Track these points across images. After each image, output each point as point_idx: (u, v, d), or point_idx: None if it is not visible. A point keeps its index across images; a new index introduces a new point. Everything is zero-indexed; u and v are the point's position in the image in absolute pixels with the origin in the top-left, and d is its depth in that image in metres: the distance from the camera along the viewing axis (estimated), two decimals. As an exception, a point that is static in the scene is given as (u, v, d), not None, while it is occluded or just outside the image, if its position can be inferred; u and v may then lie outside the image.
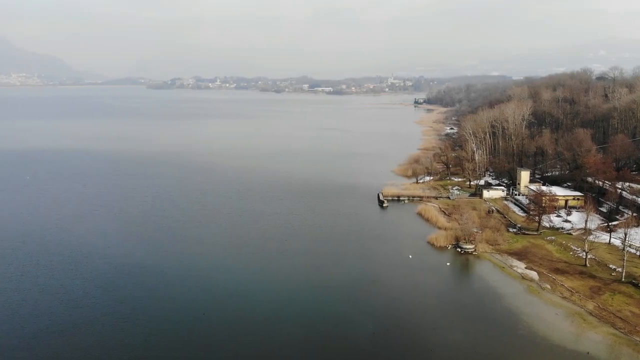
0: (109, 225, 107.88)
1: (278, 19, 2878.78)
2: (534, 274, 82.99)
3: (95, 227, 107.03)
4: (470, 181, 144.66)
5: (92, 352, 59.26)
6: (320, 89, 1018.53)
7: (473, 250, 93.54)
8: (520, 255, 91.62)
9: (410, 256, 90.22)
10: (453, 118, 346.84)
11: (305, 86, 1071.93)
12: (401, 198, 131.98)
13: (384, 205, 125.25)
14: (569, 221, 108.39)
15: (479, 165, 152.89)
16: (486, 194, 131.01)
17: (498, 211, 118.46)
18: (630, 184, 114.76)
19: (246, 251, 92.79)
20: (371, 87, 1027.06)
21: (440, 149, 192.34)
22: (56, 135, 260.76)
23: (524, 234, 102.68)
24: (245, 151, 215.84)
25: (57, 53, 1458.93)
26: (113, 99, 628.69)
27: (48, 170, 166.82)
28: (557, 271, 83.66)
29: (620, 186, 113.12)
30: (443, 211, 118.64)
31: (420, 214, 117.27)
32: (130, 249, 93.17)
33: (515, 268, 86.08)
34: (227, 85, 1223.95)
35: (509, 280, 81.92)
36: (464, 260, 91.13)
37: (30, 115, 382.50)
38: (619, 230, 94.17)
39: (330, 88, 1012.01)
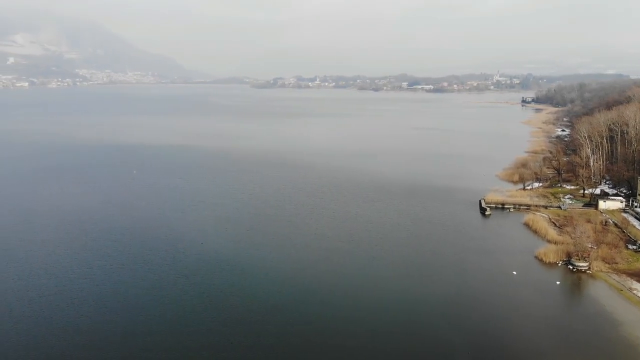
0: (205, 222, 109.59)
1: (377, 17, 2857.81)
2: (658, 300, 72.23)
3: (192, 222, 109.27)
4: (584, 190, 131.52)
5: (179, 351, 58.84)
6: (419, 86, 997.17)
7: (587, 268, 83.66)
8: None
9: (515, 272, 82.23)
10: (564, 119, 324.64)
11: (404, 84, 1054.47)
12: (506, 206, 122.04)
13: (487, 213, 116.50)
14: None
15: (594, 173, 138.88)
16: (602, 204, 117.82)
17: (616, 224, 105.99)
18: None
19: (335, 255, 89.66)
20: (475, 85, 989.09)
21: (551, 152, 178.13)
22: (162, 131, 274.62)
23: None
24: (341, 150, 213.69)
25: (170, 53, 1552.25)
26: (218, 97, 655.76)
27: (153, 165, 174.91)
28: (689, 299, 72.27)
29: None
30: (553, 222, 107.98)
31: (527, 225, 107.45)
32: (224, 247, 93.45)
33: (635, 291, 75.44)
34: (326, 84, 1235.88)
35: (628, 305, 71.81)
36: (575, 280, 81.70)
37: (141, 112, 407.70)
38: None
39: (430, 86, 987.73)
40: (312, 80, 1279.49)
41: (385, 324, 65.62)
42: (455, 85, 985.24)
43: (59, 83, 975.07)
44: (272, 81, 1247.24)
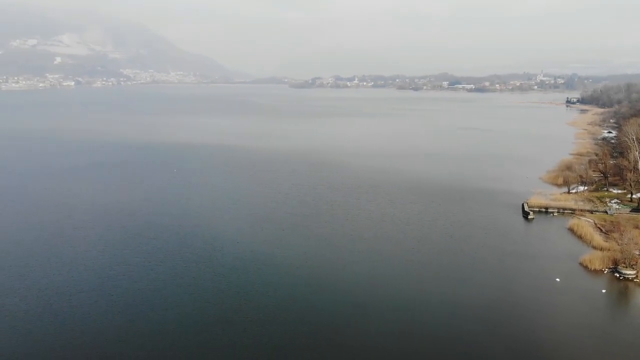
0: (241, 220, 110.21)
1: (416, 16, 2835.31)
2: None
3: (229, 221, 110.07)
4: (632, 194, 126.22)
5: (214, 350, 59.13)
6: (460, 86, 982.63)
7: (634, 276, 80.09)
8: (695, 287, 76.57)
9: (558, 279, 79.40)
10: (611, 120, 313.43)
11: (445, 83, 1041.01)
12: (550, 210, 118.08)
13: (529, 217, 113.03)
14: None
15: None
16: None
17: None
18: None
19: (371, 257, 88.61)
20: (517, 85, 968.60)
21: (597, 155, 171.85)
22: (201, 131, 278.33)
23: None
24: (378, 150, 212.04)
25: (211, 53, 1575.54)
26: (257, 97, 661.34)
27: (192, 164, 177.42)
28: None
29: None
30: (599, 228, 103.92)
31: (571, 230, 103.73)
32: (259, 246, 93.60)
33: (687, 302, 72.08)
34: (365, 83, 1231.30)
35: (680, 317, 68.55)
36: (622, 288, 78.33)
37: (181, 111, 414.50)
38: None
39: (471, 85, 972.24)
40: (351, 79, 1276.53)
41: (423, 328, 64.41)
42: (497, 85, 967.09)
43: (103, 82, 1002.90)
44: (310, 81, 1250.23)
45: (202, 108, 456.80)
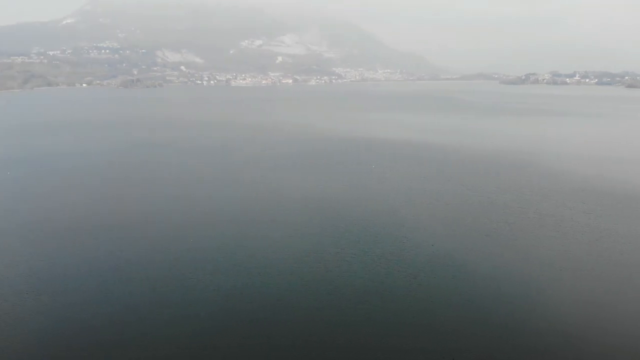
0: (437, 222, 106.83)
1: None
2: None
3: (424, 221, 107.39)
4: None
5: (409, 353, 57.54)
6: None
7: None
8: None
9: None
10: None
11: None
12: None
13: None
14: None
15: None
16: None
17: None
18: None
19: (579, 277, 78.04)
20: None
21: None
22: (403, 128, 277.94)
23: None
24: (603, 155, 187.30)
25: (419, 51, 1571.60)
26: (464, 93, 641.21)
27: (390, 159, 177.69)
28: None
29: None
30: None
31: None
32: (456, 252, 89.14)
33: None
34: (587, 80, 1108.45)
35: None
36: None
37: (386, 108, 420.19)
38: None
39: None
40: (570, 76, 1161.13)
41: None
42: None
43: (317, 80, 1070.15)
44: (523, 77, 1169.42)
45: (406, 105, 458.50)
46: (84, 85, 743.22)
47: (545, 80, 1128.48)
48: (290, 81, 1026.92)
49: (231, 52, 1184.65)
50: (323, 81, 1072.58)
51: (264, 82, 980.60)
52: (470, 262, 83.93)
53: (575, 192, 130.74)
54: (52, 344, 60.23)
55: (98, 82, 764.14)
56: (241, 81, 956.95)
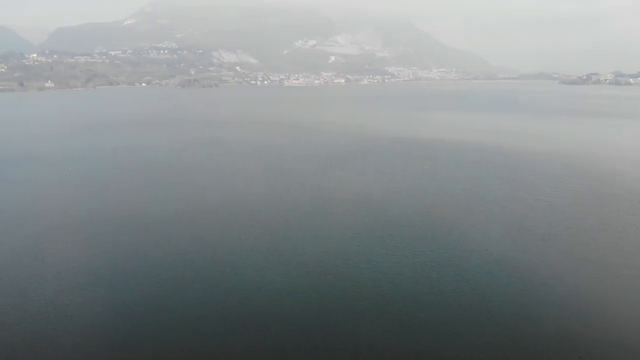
0: (491, 225, 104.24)
1: None
2: None
3: (477, 224, 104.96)
4: None
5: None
6: None
7: None
8: None
9: None
10: None
11: None
12: None
13: None
14: None
15: None
16: None
17: None
18: None
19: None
20: None
21: None
22: (455, 128, 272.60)
23: None
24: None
25: (476, 49, 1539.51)
26: (522, 93, 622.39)
27: (444, 161, 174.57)
28: None
29: None
30: None
31: None
32: (510, 256, 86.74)
33: None
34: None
35: None
36: None
37: (439, 108, 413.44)
38: None
39: None
40: (634, 76, 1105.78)
41: None
42: None
43: (369, 79, 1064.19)
44: (584, 77, 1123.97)
45: (461, 105, 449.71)
46: (143, 84, 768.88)
47: (607, 81, 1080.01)
48: (343, 81, 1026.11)
49: (285, 52, 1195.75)
50: (375, 81, 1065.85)
51: (316, 82, 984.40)
52: (525, 269, 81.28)
53: (638, 198, 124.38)
54: (110, 340, 62.50)
55: (157, 81, 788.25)
56: (294, 81, 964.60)
